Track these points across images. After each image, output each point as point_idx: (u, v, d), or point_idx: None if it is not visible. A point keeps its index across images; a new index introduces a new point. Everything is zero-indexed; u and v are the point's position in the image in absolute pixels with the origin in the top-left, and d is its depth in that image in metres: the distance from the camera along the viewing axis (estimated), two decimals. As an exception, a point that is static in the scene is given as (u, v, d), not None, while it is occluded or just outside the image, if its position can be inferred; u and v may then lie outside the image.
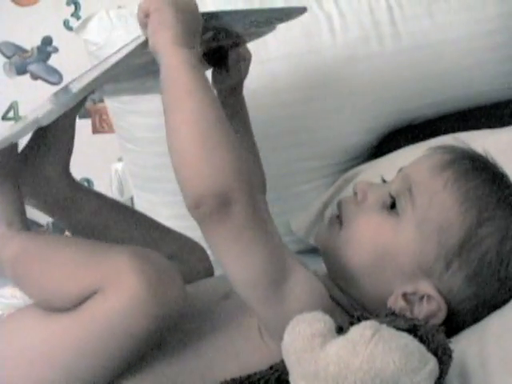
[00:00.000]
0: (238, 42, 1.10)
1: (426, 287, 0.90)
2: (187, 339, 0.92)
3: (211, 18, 0.97)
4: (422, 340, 0.79)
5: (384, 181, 1.00)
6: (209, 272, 1.15)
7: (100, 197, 1.14)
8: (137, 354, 0.90)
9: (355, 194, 0.98)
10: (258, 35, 1.14)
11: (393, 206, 0.94)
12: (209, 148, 0.86)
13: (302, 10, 1.12)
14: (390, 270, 0.92)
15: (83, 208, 1.10)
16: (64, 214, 1.10)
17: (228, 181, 0.85)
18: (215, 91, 1.12)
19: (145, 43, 0.94)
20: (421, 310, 0.90)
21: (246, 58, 1.13)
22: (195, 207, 0.85)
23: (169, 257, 1.11)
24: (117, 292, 0.87)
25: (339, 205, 0.99)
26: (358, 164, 1.41)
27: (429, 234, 0.91)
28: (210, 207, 0.84)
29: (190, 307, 0.95)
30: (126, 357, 0.89)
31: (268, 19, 1.09)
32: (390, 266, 0.92)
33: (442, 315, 0.90)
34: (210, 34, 1.02)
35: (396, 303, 0.91)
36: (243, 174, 0.86)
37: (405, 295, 0.91)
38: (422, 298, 0.90)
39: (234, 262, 0.87)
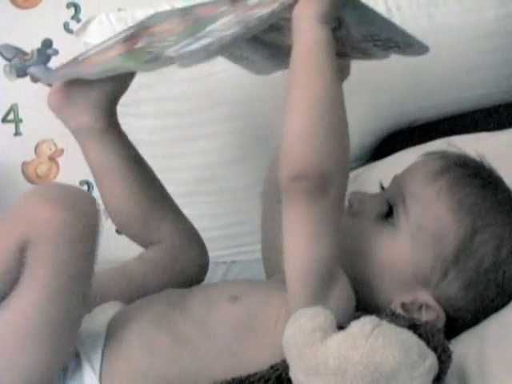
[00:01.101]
0: (344, 51, 1.00)
1: (424, 296, 0.91)
2: (187, 340, 0.92)
3: (344, 6, 0.93)
4: (421, 338, 0.79)
5: (382, 187, 1.00)
6: (203, 267, 1.15)
7: (129, 146, 1.13)
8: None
9: (350, 204, 0.98)
10: (365, 56, 1.05)
11: (388, 214, 0.94)
12: (329, 128, 0.86)
13: (423, 50, 1.05)
14: (388, 280, 0.93)
15: (107, 144, 1.09)
16: (87, 142, 1.09)
17: (337, 164, 0.85)
18: None
19: (286, 7, 0.91)
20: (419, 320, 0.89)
21: (344, 74, 1.04)
22: (295, 178, 0.84)
23: (165, 240, 1.11)
24: (49, 231, 0.85)
25: None
26: (358, 166, 1.41)
27: (424, 243, 0.91)
28: (311, 183, 0.84)
29: (192, 308, 0.95)
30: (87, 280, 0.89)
31: (389, 40, 1.02)
32: (387, 276, 0.92)
33: (440, 324, 0.90)
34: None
35: None
36: (347, 163, 0.87)
37: (403, 305, 0.91)
38: (420, 307, 0.91)
39: (305, 241, 0.86)
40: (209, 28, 0.94)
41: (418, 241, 0.92)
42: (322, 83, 0.87)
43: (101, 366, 0.91)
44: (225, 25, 0.94)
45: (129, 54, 1.00)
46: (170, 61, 0.91)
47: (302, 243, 0.86)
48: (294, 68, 0.89)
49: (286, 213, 0.87)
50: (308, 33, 0.89)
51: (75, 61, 1.08)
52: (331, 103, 0.87)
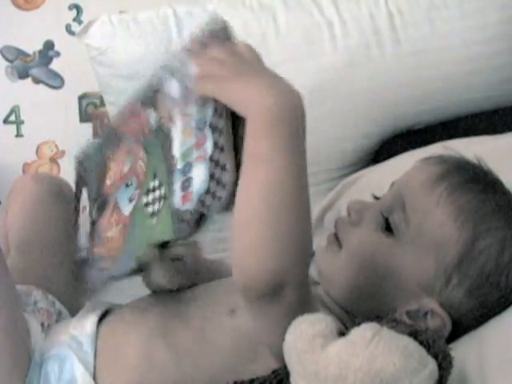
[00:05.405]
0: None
1: (428, 303, 0.90)
2: (186, 353, 0.91)
3: None
4: (422, 345, 0.79)
5: (376, 198, 1.00)
6: None
7: None
8: None
9: (349, 214, 0.97)
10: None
11: (387, 225, 0.94)
12: (275, 230, 0.80)
13: None
14: (391, 289, 0.92)
15: None
16: None
17: (288, 266, 0.80)
18: None
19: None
20: (425, 327, 0.89)
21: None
22: (245, 288, 0.81)
23: None
24: None
25: (336, 225, 0.98)
26: (358, 169, 1.42)
27: (426, 251, 0.91)
28: (262, 291, 0.80)
29: (191, 320, 0.94)
30: None
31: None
32: (390, 285, 0.92)
33: (446, 330, 0.90)
34: None
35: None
36: (304, 255, 0.83)
37: (408, 313, 0.91)
38: (425, 314, 0.90)
39: (270, 334, 0.84)
40: (177, 152, 0.86)
41: (419, 249, 0.91)
42: (268, 175, 0.80)
43: (94, 370, 0.91)
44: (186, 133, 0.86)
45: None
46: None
47: (268, 335, 0.85)
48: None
49: (248, 309, 0.85)
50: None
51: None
52: (282, 198, 0.80)
